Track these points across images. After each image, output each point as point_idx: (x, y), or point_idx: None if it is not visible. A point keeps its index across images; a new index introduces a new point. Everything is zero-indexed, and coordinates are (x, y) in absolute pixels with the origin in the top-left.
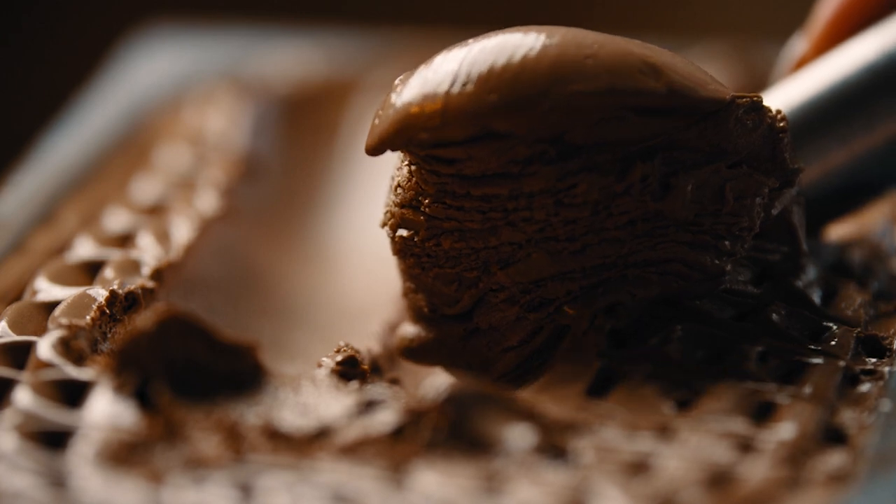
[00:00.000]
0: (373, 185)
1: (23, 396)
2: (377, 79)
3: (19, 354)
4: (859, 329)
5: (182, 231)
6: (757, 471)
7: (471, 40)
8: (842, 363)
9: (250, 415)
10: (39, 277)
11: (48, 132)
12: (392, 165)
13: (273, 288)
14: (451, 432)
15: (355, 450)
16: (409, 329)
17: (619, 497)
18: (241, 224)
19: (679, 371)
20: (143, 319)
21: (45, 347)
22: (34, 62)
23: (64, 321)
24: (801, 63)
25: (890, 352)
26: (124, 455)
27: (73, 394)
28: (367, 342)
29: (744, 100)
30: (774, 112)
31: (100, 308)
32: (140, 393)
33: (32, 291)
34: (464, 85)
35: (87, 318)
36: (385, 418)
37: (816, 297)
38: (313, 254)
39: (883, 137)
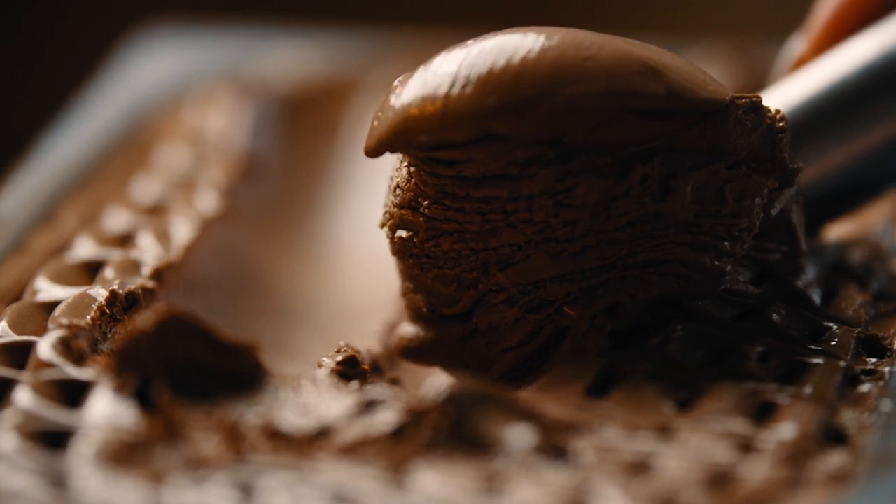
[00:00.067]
0: (373, 186)
1: (23, 396)
2: (377, 79)
3: (19, 354)
4: (859, 329)
5: (182, 231)
6: (757, 471)
7: (470, 41)
8: (842, 363)
9: (250, 415)
10: (39, 277)
11: (48, 132)
12: (391, 166)
13: (273, 288)
14: (452, 432)
15: (355, 450)
16: (408, 329)
17: (620, 497)
18: (241, 224)
19: (679, 371)
20: (143, 319)
21: (45, 347)
22: (34, 62)
23: (64, 321)
24: (801, 63)
25: (890, 352)
26: (124, 455)
27: (73, 394)
28: (367, 342)
29: (743, 100)
30: (774, 112)
31: (100, 308)
32: (140, 393)
33: (32, 291)
34: (463, 87)
35: (87, 318)
36: (385, 418)
37: (817, 297)
38: (313, 254)
39: (881, 137)
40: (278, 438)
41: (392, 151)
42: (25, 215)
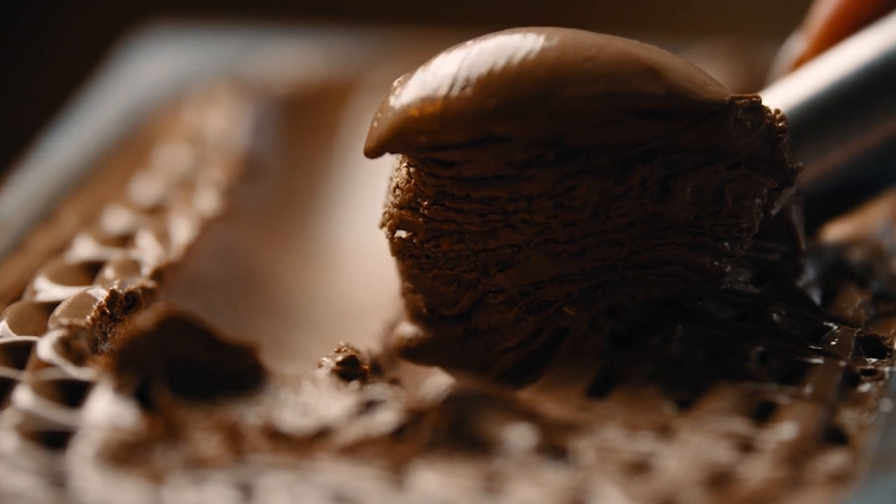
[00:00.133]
0: (372, 186)
1: (23, 396)
2: (377, 79)
3: (19, 354)
4: (860, 329)
5: (182, 231)
6: (757, 471)
7: (469, 42)
8: (842, 363)
9: (250, 415)
10: (39, 277)
11: (48, 132)
12: (391, 166)
13: (273, 288)
14: (452, 432)
15: (355, 450)
16: (408, 329)
17: (620, 497)
18: (241, 224)
19: (679, 371)
20: (144, 319)
21: (45, 347)
22: (34, 62)
23: (64, 321)
24: (800, 62)
25: (890, 352)
26: (124, 455)
27: (73, 394)
28: (367, 342)
29: (743, 100)
30: (773, 112)
31: (100, 308)
32: (140, 393)
33: (32, 291)
34: (462, 88)
35: (88, 318)
36: (385, 418)
37: (817, 297)
38: (313, 254)
39: (880, 137)
40: (278, 438)
41: (391, 152)
42: (25, 215)
